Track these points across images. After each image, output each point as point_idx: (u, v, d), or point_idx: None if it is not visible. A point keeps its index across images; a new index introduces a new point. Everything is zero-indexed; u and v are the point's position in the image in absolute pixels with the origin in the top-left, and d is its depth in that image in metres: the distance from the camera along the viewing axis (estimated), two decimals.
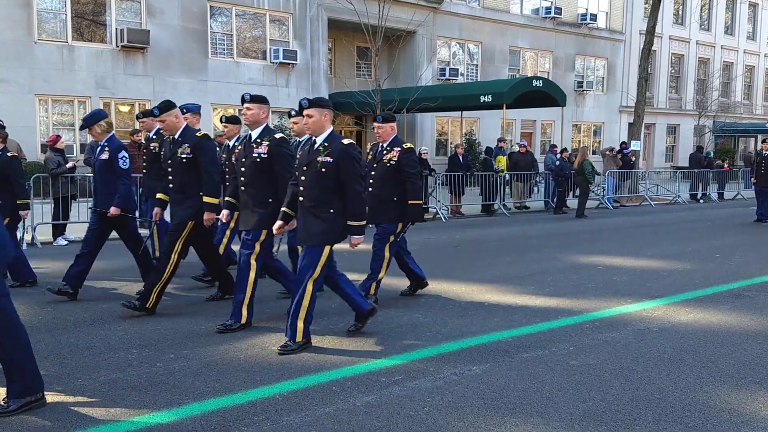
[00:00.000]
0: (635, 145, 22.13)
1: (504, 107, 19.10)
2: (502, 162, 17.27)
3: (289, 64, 22.08)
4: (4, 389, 3.86)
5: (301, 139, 6.49)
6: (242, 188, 5.72)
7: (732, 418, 3.88)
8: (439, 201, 15.82)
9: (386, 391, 4.22)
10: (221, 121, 7.54)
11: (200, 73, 20.62)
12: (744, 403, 4.12)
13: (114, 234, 11.28)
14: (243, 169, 5.67)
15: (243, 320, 5.63)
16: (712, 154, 25.81)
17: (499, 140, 18.49)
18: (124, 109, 19.81)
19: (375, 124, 6.60)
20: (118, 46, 19.18)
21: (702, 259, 9.63)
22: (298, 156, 5.30)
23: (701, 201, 22.12)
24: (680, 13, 35.97)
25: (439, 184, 16.28)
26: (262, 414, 3.85)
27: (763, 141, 15.49)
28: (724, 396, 4.23)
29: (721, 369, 4.75)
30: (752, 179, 15.69)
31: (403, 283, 7.20)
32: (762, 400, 4.17)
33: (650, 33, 22.37)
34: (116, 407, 3.93)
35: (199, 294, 6.99)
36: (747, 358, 4.99)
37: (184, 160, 5.99)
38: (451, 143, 25.88)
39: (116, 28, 19.15)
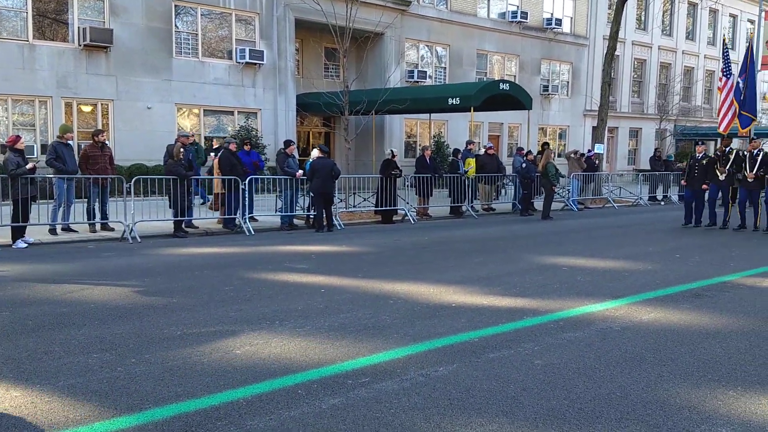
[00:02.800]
0: (599, 149, 22.50)
1: (472, 110, 19.24)
2: (471, 164, 17.38)
3: (255, 64, 21.90)
4: None
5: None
6: None
7: (692, 416, 3.96)
8: (407, 203, 15.86)
9: (352, 394, 4.20)
10: None
11: (165, 73, 20.33)
12: (703, 400, 4.21)
13: (69, 237, 11.02)
14: None
15: None
16: (672, 157, 26.36)
17: (468, 142, 18.62)
18: (87, 109, 19.43)
19: None
20: (80, 45, 18.80)
21: (662, 259, 9.82)
22: None
23: (662, 203, 22.59)
24: (643, 18, 36.70)
25: (407, 186, 16.33)
26: (226, 419, 3.80)
27: (696, 143, 15.51)
28: (684, 394, 4.31)
29: (681, 367, 4.84)
30: (682, 182, 15.41)
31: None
32: (721, 397, 4.26)
33: (613, 38, 22.79)
34: (76, 413, 3.84)
35: (161, 298, 6.88)
36: (706, 357, 5.10)
37: None
38: (419, 145, 25.97)
39: (78, 27, 18.76)
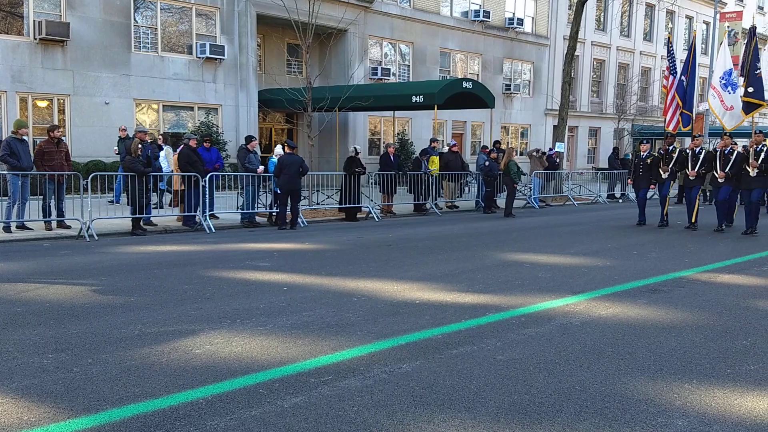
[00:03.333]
0: (560, 147, 22.85)
1: (435, 108, 19.33)
2: (435, 163, 17.45)
3: (216, 59, 21.62)
4: None
5: None
6: None
7: (649, 408, 4.04)
8: (371, 200, 15.85)
9: (315, 392, 4.18)
10: None
11: (123, 68, 19.92)
12: (660, 393, 4.30)
13: (24, 235, 10.78)
14: None
15: None
16: (630, 156, 26.90)
17: (432, 140, 18.70)
18: (42, 104, 18.92)
19: None
20: (36, 39, 18.28)
21: (620, 255, 10.02)
22: None
23: (620, 201, 23.04)
24: (602, 19, 37.36)
25: (371, 184, 16.31)
26: (185, 419, 3.74)
27: (641, 142, 15.83)
28: (641, 387, 4.40)
29: (638, 361, 4.94)
30: (629, 181, 15.77)
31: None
32: (677, 390, 4.36)
33: (573, 38, 23.17)
34: (30, 414, 3.73)
35: (119, 297, 6.74)
36: (662, 350, 5.21)
37: None
38: (383, 142, 25.98)
39: (34, 20, 18.25)
